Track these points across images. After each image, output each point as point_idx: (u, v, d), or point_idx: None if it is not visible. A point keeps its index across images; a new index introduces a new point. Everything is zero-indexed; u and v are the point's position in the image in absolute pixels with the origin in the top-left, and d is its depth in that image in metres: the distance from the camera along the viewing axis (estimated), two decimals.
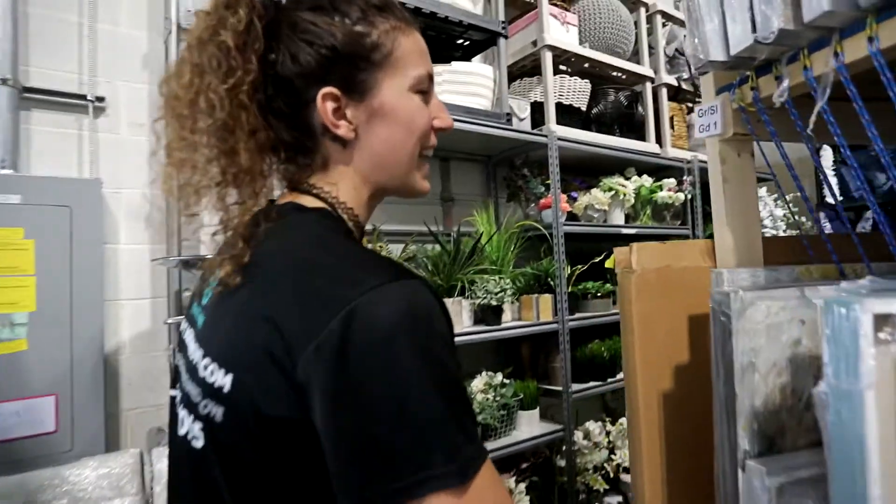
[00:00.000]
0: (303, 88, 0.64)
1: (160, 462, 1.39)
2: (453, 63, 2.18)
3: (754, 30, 0.72)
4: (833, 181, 3.50)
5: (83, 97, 1.79)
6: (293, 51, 0.63)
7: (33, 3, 1.76)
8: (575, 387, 2.35)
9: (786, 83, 0.75)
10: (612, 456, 2.52)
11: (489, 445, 2.02)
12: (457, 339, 2.05)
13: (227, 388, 0.54)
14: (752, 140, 0.91)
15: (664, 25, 3.20)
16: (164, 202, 1.93)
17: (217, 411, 0.55)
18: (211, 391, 0.56)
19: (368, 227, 2.23)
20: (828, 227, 3.32)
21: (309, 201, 0.66)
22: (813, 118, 0.69)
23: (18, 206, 1.52)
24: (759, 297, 0.72)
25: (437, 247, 2.22)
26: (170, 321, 1.77)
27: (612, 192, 2.67)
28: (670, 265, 0.96)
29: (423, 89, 0.69)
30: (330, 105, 0.63)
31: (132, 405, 1.83)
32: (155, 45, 1.97)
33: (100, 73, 1.85)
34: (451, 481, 0.46)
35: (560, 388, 2.32)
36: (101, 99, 1.83)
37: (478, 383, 2.08)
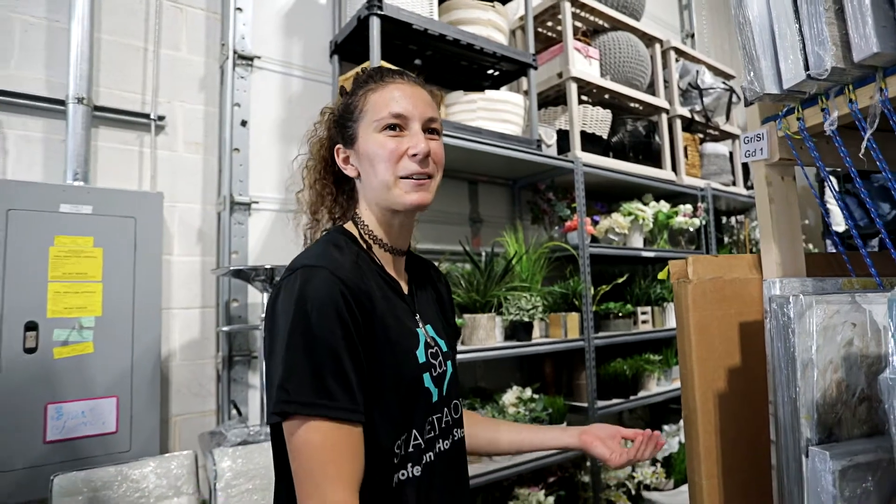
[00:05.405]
0: (334, 151, 0.96)
1: (222, 461, 1.45)
2: (487, 91, 2.30)
3: (807, 67, 0.83)
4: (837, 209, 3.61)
5: (146, 116, 1.90)
6: (332, 127, 0.97)
7: (106, 29, 1.88)
8: (600, 403, 2.42)
9: (835, 114, 0.85)
10: (633, 474, 2.57)
11: (519, 458, 2.07)
12: (489, 353, 2.10)
13: None
14: (795, 164, 1.01)
15: (677, 61, 3.36)
16: (215, 216, 2.03)
17: None
18: None
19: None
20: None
21: (348, 224, 0.95)
22: (864, 146, 0.80)
23: (90, 216, 1.62)
24: (817, 301, 0.81)
25: (468, 265, 2.31)
26: (225, 329, 1.84)
27: (632, 217, 2.78)
28: (722, 276, 1.05)
29: (390, 125, 0.88)
30: (341, 155, 0.94)
31: (179, 411, 1.89)
32: (211, 70, 2.10)
33: (161, 94, 1.97)
34: (290, 411, 0.72)
35: (585, 405, 2.38)
36: (161, 118, 1.94)
37: (509, 397, 2.15)
